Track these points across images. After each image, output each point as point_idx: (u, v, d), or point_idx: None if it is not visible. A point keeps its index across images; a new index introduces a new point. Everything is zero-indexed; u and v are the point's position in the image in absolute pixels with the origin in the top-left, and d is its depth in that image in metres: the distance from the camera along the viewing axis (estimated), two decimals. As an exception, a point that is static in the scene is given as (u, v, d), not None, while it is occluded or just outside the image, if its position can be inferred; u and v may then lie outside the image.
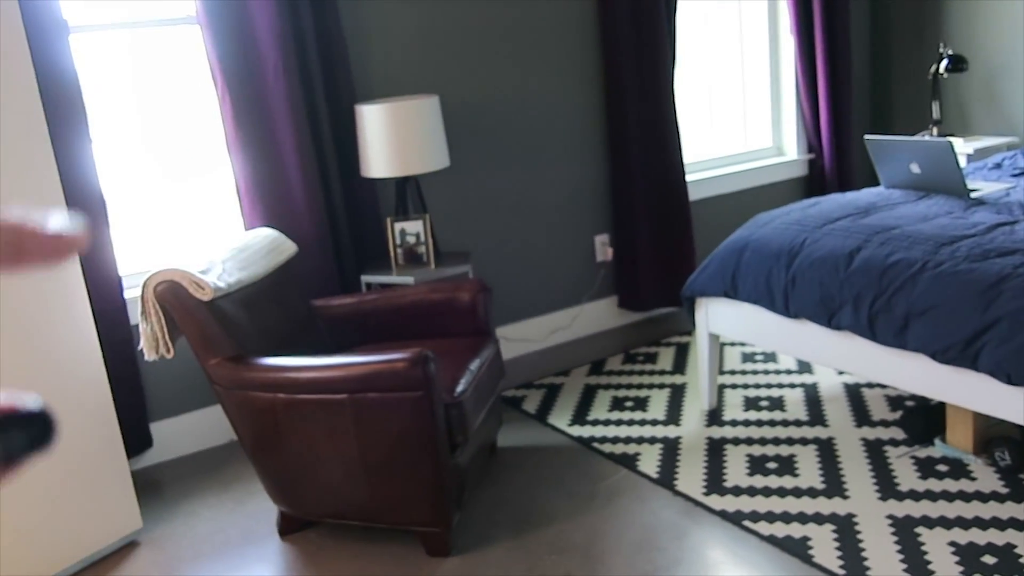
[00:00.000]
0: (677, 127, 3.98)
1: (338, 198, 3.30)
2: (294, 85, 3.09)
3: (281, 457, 2.44)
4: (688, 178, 4.22)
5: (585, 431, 3.10)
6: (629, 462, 2.85)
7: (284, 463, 2.45)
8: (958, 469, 2.58)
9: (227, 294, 2.52)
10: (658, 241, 4.07)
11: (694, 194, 4.25)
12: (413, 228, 3.24)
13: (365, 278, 3.28)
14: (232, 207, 3.24)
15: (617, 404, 3.31)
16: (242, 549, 2.57)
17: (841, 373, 3.34)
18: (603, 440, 3.02)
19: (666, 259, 4.08)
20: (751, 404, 3.18)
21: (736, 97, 4.62)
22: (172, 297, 2.44)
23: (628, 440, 3.01)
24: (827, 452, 2.78)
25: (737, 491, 2.60)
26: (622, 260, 4.07)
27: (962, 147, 4.08)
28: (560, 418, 3.23)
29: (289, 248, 2.91)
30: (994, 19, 4.24)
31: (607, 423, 3.15)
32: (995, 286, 2.17)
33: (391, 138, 3.06)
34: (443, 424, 2.34)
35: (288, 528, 2.62)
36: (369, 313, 2.94)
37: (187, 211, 3.29)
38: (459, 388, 2.46)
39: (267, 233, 2.90)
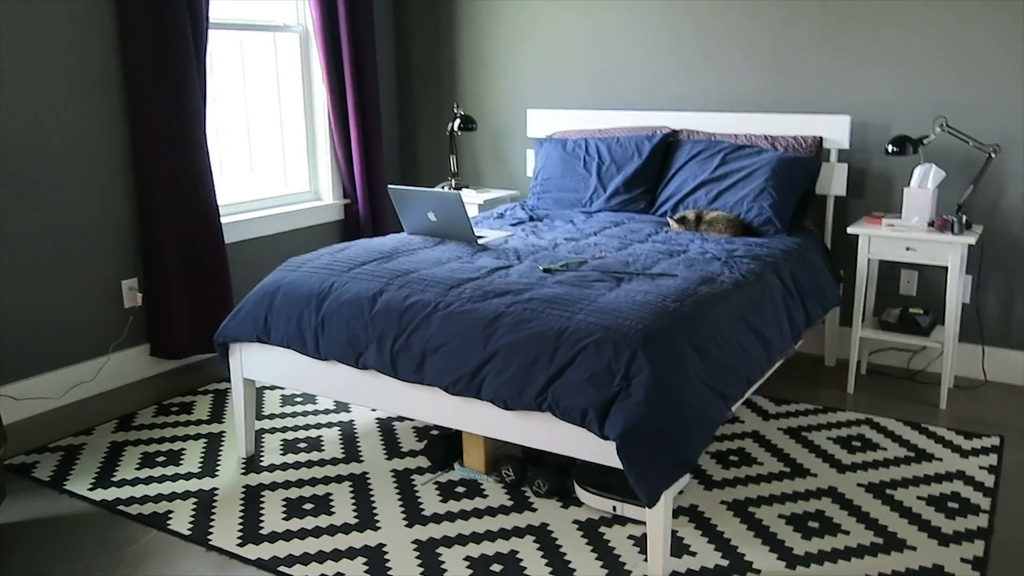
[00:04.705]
0: (210, 168, 3.88)
1: None
2: None
3: None
4: (225, 220, 4.15)
5: (109, 494, 2.85)
6: (159, 521, 2.67)
7: None
8: (473, 489, 2.86)
9: None
10: (192, 285, 3.92)
11: (232, 236, 4.19)
12: None
13: None
14: None
15: (147, 460, 3.10)
16: None
17: (374, 409, 3.51)
18: (130, 501, 2.80)
19: (201, 304, 3.95)
20: (289, 447, 3.20)
21: (275, 141, 4.66)
22: None
23: (159, 498, 2.83)
24: (361, 487, 2.89)
25: (274, 537, 2.58)
26: (153, 305, 3.84)
27: (474, 197, 4.58)
28: (79, 483, 2.93)
29: None
30: (498, 89, 4.85)
31: (135, 482, 2.93)
32: (492, 323, 2.46)
33: None
34: (-82, 508, 1.98)
35: None
36: None
37: None
38: (-59, 463, 2.11)
39: None
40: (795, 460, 3.04)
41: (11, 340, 3.41)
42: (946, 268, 3.65)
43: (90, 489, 2.89)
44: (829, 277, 3.59)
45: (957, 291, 3.47)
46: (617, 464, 2.24)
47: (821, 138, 3.83)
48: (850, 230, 3.61)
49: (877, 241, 3.56)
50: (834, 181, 3.87)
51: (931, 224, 3.51)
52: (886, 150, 3.58)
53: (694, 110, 4.26)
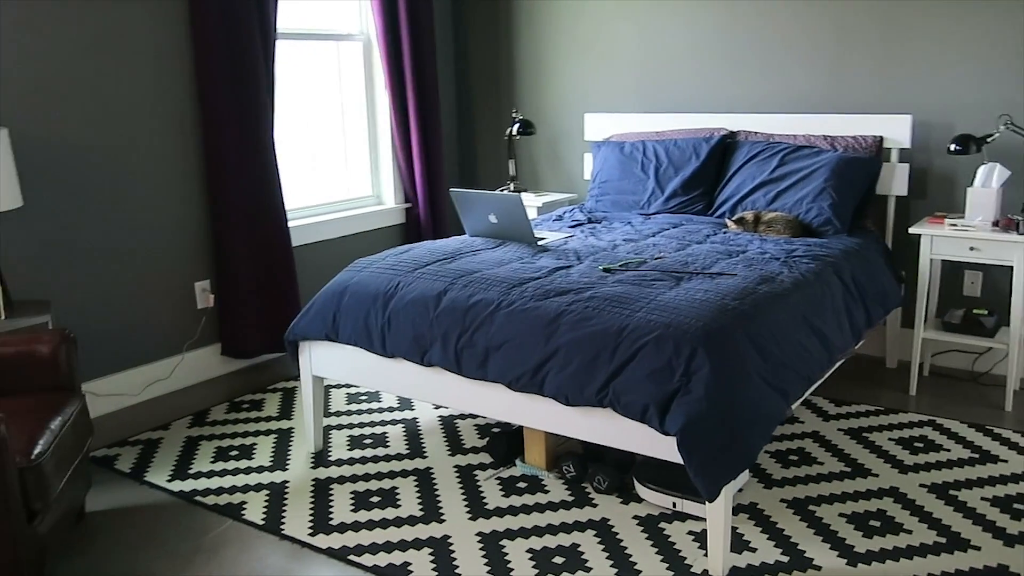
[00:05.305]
0: (278, 173, 4.02)
1: None
2: None
3: None
4: (291, 224, 4.29)
5: (187, 485, 2.98)
6: (234, 511, 2.79)
7: None
8: (534, 485, 2.92)
9: None
10: (261, 287, 4.06)
11: (298, 239, 4.32)
12: (-22, 276, 2.88)
13: (-85, 334, 2.84)
14: None
15: (221, 454, 3.23)
16: None
17: (437, 407, 3.60)
18: (206, 492, 2.93)
19: (270, 305, 4.08)
20: (356, 443, 3.30)
21: (338, 147, 4.79)
22: None
23: (233, 490, 2.95)
24: (425, 481, 2.97)
25: (343, 528, 2.68)
26: (224, 306, 3.98)
27: (532, 200, 4.64)
28: (158, 475, 3.07)
29: None
30: (556, 93, 4.91)
31: (211, 475, 3.06)
32: (554, 321, 2.52)
33: (-52, 175, 2.72)
34: (17, 491, 2.12)
35: None
36: (-79, 374, 2.56)
37: None
38: (37, 450, 2.24)
39: None
40: (856, 460, 3.04)
41: (93, 339, 3.57)
42: (1011, 268, 3.60)
43: (168, 480, 3.02)
44: (890, 278, 3.57)
45: (1023, 291, 3.42)
46: (677, 459, 2.28)
47: (882, 138, 3.81)
48: (912, 230, 3.58)
49: (940, 241, 3.53)
50: (895, 181, 3.84)
51: (996, 224, 3.47)
52: (948, 149, 3.55)
53: (752, 112, 4.27)
